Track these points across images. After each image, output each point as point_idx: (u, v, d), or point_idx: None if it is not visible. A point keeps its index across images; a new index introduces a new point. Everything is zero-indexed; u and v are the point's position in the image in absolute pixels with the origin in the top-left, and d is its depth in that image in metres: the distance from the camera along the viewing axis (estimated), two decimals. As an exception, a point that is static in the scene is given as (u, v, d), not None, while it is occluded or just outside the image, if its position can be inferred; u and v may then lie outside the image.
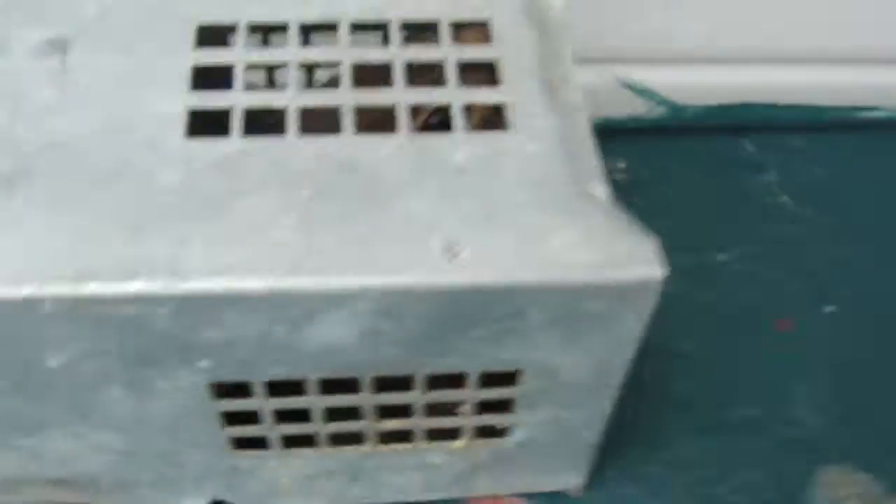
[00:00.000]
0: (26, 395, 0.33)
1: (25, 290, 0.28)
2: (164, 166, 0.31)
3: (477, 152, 0.32)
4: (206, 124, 0.33)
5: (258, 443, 0.38)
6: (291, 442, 0.38)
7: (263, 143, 0.32)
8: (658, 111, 0.55)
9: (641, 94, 0.54)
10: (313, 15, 0.36)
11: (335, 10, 0.36)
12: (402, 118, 0.33)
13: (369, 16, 0.36)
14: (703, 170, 0.57)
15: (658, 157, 0.56)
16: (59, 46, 0.34)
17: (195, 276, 0.29)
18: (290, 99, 0.33)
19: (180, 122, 0.32)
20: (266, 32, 0.37)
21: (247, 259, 0.29)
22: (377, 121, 0.34)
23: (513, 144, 0.33)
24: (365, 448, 0.39)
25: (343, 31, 0.36)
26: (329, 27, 0.36)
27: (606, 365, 0.34)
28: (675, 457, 0.46)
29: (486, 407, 0.37)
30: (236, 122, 0.33)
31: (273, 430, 0.37)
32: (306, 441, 0.38)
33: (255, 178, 0.31)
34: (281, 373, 0.33)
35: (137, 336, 0.30)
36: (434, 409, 0.37)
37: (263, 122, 0.33)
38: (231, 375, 0.33)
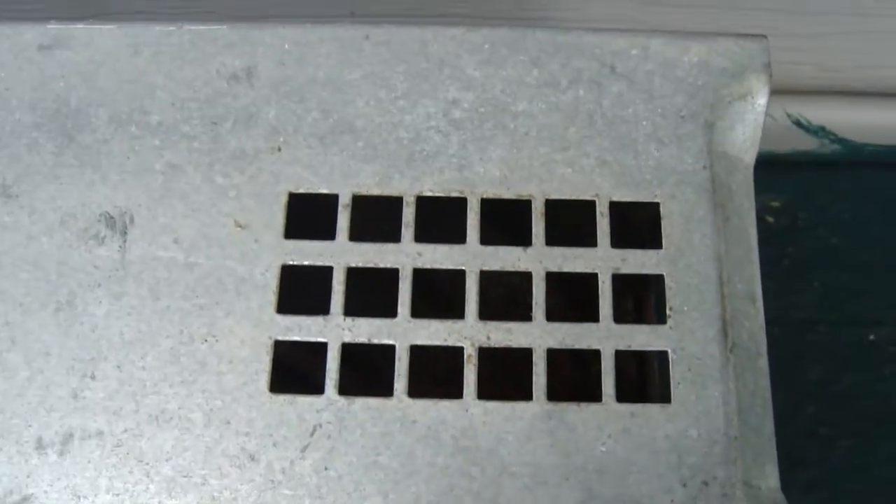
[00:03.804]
0: None
1: None
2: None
3: (624, 441, 0.26)
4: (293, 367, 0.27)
5: None
6: None
7: (365, 407, 0.26)
8: (831, 149, 0.45)
9: (815, 134, 0.44)
10: (433, 185, 0.28)
11: (463, 179, 0.28)
12: (540, 379, 0.26)
13: (505, 190, 0.28)
14: (870, 212, 0.48)
15: (821, 195, 0.47)
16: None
17: None
18: (400, 334, 0.27)
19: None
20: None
21: None
22: (505, 367, 0.27)
23: (671, 429, 0.26)
24: None
25: (471, 220, 0.28)
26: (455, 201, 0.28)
27: None
28: None
29: None
30: (332, 376, 0.26)
31: None
32: None
33: (349, 464, 0.26)
34: None
35: None
36: None
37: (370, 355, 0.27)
38: None
